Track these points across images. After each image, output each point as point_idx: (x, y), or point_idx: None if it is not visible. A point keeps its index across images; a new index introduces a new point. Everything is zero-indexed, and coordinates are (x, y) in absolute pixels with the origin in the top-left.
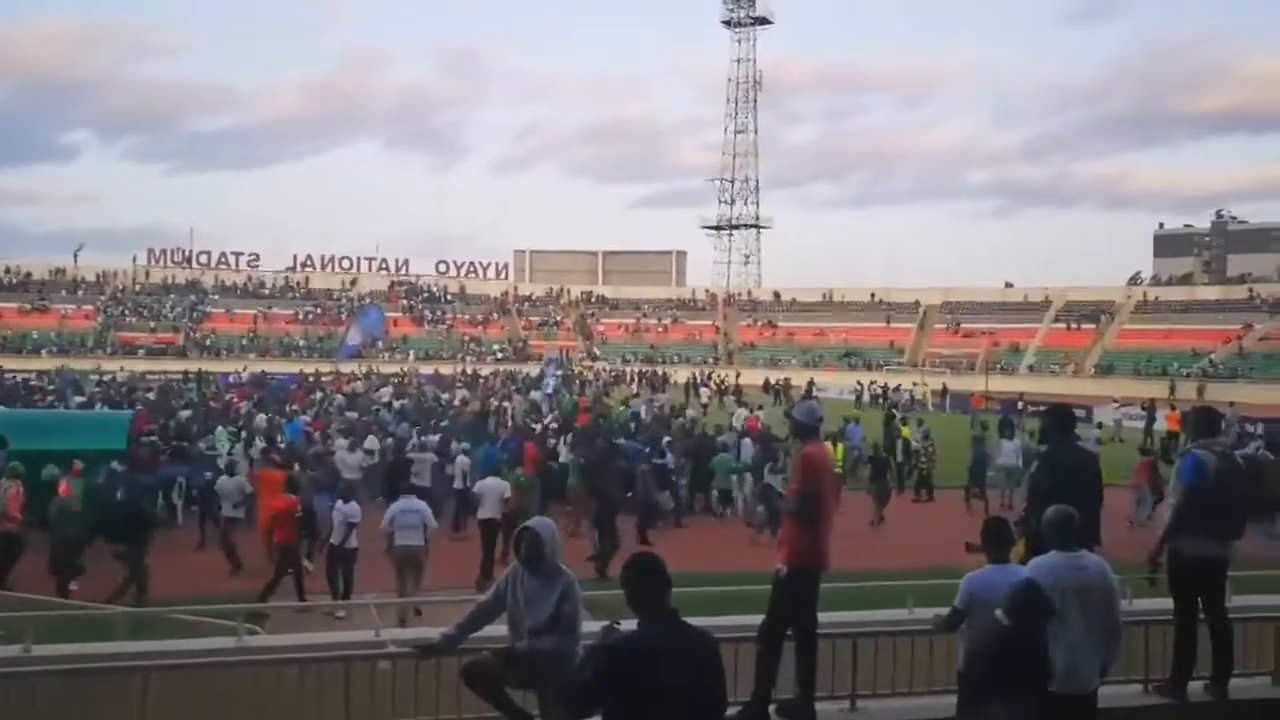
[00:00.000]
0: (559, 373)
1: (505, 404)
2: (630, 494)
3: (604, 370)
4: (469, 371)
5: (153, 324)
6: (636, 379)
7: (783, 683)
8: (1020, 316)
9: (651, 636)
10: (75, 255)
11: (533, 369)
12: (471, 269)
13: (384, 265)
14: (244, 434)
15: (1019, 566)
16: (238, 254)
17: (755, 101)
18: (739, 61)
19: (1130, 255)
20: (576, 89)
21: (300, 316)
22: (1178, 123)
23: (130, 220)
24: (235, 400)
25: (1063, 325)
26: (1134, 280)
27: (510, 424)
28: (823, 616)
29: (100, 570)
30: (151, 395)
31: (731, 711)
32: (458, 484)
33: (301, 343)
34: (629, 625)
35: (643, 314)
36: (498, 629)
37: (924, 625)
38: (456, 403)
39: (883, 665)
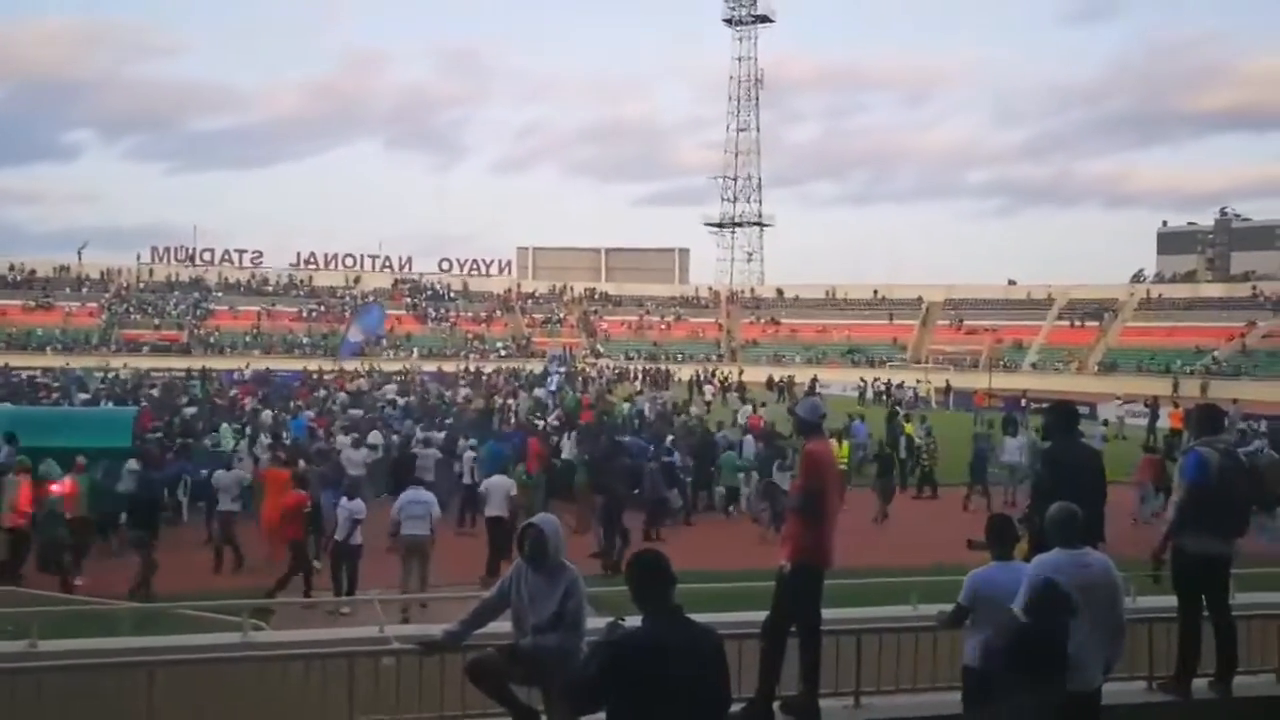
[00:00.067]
0: (562, 370)
1: (509, 401)
2: (636, 491)
3: (607, 367)
4: (472, 369)
5: (157, 321)
6: (640, 376)
7: (787, 679)
8: (1023, 314)
9: (656, 633)
10: (79, 253)
11: (536, 366)
12: (474, 266)
13: (387, 263)
14: (249, 431)
15: (1023, 564)
16: (241, 251)
17: (757, 100)
18: (740, 60)
19: (1134, 253)
20: (578, 88)
21: (304, 314)
22: (1179, 121)
23: (133, 218)
24: (240, 397)
25: (1066, 322)
26: (1137, 278)
27: (514, 421)
28: (827, 613)
29: (108, 566)
30: (156, 392)
31: (736, 708)
32: (466, 479)
33: (305, 340)
34: (633, 622)
35: (646, 311)
36: (502, 625)
37: (928, 622)
38: (460, 400)
39: (887, 662)
